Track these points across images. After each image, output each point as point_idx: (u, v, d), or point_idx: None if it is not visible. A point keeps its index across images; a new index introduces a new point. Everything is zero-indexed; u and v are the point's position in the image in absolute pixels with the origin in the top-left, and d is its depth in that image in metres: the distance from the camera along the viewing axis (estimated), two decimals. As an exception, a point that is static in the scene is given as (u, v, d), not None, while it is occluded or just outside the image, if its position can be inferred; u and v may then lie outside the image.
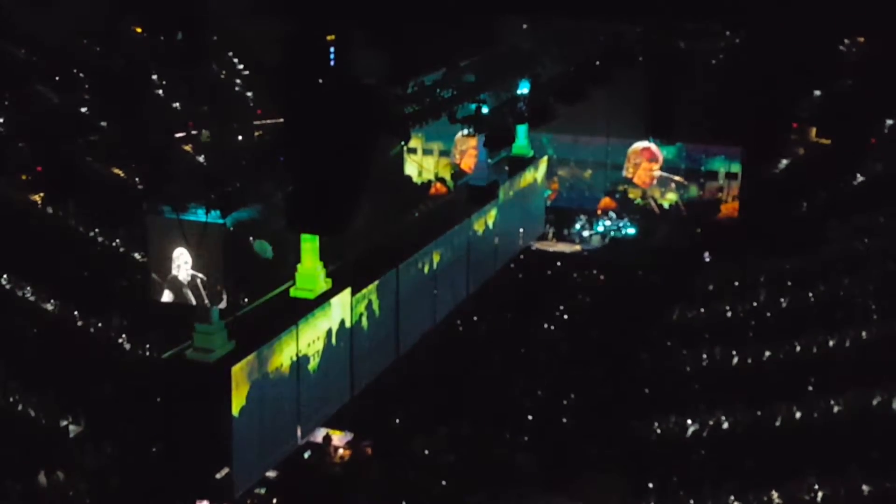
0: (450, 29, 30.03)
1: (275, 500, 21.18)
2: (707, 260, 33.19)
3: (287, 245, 25.22)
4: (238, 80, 39.99)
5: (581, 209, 37.77)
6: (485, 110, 28.62)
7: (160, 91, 37.96)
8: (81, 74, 36.75)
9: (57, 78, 36.03)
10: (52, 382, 23.71)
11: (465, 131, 29.82)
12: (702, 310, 28.49)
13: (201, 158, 35.78)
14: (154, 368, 23.81)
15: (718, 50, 37.42)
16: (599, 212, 37.86)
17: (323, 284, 23.48)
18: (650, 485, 21.36)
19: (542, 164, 36.05)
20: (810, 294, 27.81)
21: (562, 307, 29.93)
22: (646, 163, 38.80)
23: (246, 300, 24.46)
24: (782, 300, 27.98)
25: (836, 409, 22.49)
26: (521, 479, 21.73)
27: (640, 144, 38.51)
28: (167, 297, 20.29)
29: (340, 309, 23.56)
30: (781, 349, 25.28)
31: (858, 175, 35.29)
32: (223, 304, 20.29)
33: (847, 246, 30.39)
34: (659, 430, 23.25)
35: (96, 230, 30.33)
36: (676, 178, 38.84)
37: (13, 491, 20.26)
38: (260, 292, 23.99)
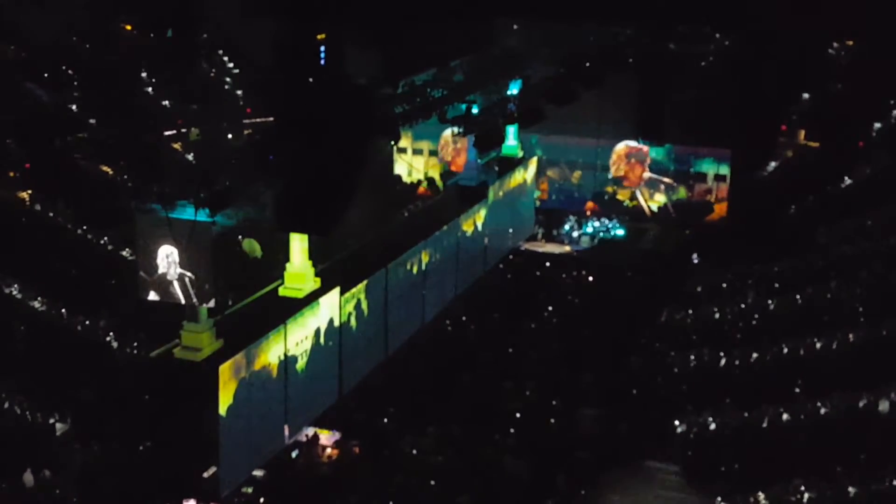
0: (441, 29, 29.98)
1: (262, 500, 21.12)
2: (695, 262, 33.27)
3: (276, 244, 25.19)
4: (228, 79, 39.95)
5: (570, 210, 37.83)
6: (474, 110, 28.63)
7: (150, 89, 37.91)
8: (71, 72, 36.66)
9: (46, 75, 35.93)
10: (39, 380, 23.62)
11: (455, 130, 29.78)
12: (690, 311, 28.52)
13: (190, 157, 35.74)
14: (142, 367, 23.76)
15: (709, 52, 37.48)
16: (588, 213, 37.91)
17: (312, 283, 23.47)
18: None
19: (532, 165, 36.07)
20: (798, 297, 27.88)
21: (551, 308, 29.95)
22: (637, 163, 38.85)
23: (234, 299, 24.41)
24: (770, 302, 28.04)
25: (823, 410, 22.56)
26: (509, 480, 21.73)
27: (630, 143, 38.57)
28: (155, 295, 20.28)
29: (329, 308, 23.54)
30: (769, 351, 25.33)
31: (847, 178, 35.41)
32: (211, 303, 20.29)
33: (835, 249, 30.46)
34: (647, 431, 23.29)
35: (85, 228, 30.23)
36: (665, 179, 38.89)
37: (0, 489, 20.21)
38: (249, 291, 23.96)
